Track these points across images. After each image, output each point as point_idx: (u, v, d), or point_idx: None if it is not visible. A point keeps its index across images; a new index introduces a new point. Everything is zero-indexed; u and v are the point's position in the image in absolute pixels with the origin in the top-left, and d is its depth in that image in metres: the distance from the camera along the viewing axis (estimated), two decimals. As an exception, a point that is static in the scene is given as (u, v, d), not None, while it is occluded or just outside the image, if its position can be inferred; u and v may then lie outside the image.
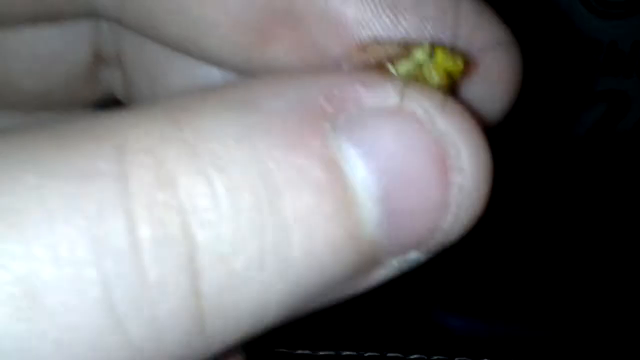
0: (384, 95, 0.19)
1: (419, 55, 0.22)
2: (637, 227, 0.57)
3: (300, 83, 0.19)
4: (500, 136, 0.24)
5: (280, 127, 0.18)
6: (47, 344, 0.15)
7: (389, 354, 0.51)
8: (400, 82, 0.20)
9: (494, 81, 0.24)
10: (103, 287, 0.16)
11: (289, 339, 0.51)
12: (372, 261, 0.20)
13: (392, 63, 0.22)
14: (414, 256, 0.20)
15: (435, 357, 0.51)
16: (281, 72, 0.24)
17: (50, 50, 0.28)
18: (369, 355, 0.51)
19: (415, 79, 0.22)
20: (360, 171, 0.18)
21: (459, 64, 0.22)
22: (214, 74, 0.27)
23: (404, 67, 0.22)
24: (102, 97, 0.31)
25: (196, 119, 0.18)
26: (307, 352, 0.51)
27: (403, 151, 0.19)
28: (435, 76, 0.22)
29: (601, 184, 0.58)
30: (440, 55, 0.22)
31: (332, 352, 0.51)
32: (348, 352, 0.51)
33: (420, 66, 0.22)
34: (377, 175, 0.19)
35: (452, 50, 0.22)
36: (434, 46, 0.22)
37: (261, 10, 0.23)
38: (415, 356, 0.51)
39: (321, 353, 0.51)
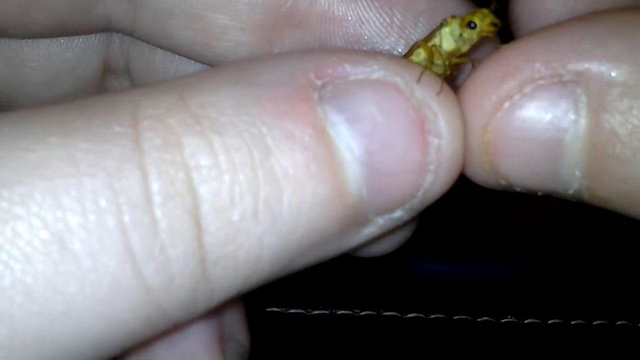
0: (367, 70, 0.21)
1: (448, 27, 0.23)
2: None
3: (292, 60, 0.21)
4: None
5: (271, 97, 0.20)
6: (72, 285, 0.17)
7: (385, 313, 0.51)
8: (384, 60, 0.21)
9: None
10: (122, 234, 0.18)
11: (282, 298, 0.51)
12: (359, 218, 0.21)
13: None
14: (399, 214, 0.21)
15: (433, 316, 0.51)
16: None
17: (62, 62, 0.30)
18: (364, 314, 0.51)
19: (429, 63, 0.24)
20: (345, 135, 0.20)
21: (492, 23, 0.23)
22: None
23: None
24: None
25: (197, 92, 0.19)
26: (300, 311, 0.51)
27: (383, 116, 0.20)
28: (440, 63, 0.24)
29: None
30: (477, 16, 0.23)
31: (326, 311, 0.51)
32: (342, 311, 0.51)
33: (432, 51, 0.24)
34: (360, 138, 0.20)
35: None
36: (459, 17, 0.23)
37: (267, 11, 0.26)
38: (412, 315, 0.51)
39: (315, 312, 0.51)
